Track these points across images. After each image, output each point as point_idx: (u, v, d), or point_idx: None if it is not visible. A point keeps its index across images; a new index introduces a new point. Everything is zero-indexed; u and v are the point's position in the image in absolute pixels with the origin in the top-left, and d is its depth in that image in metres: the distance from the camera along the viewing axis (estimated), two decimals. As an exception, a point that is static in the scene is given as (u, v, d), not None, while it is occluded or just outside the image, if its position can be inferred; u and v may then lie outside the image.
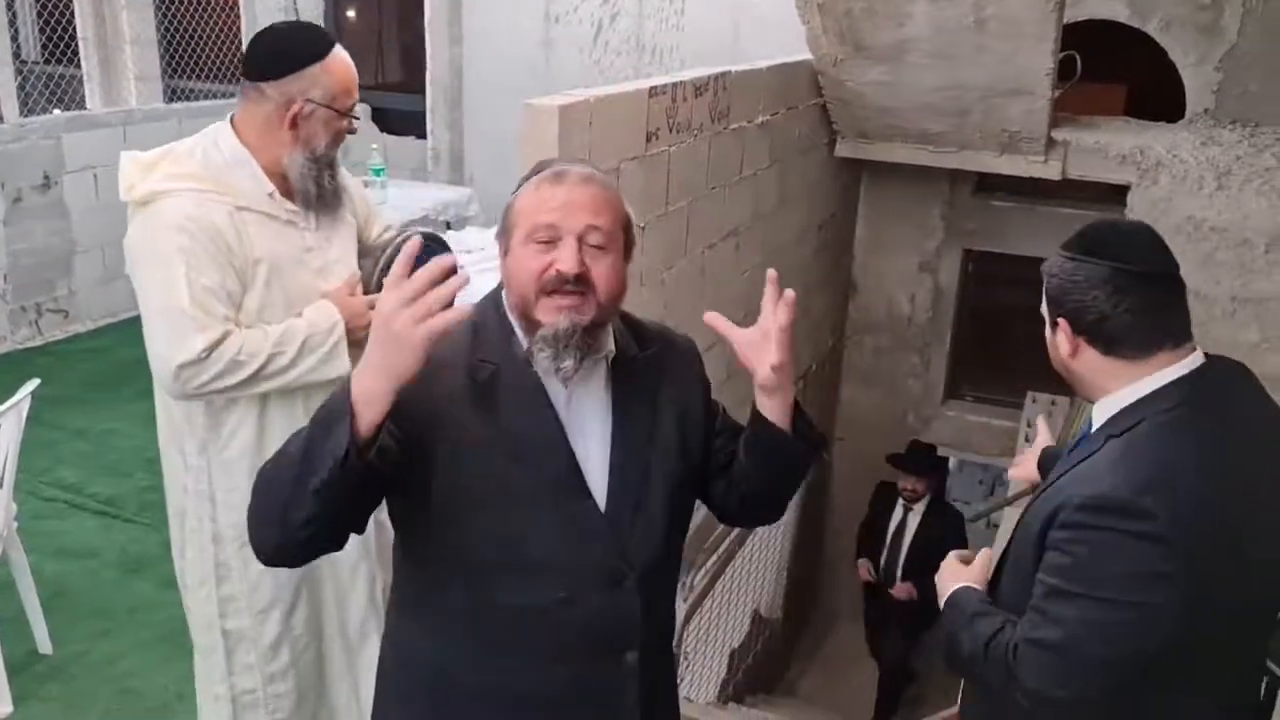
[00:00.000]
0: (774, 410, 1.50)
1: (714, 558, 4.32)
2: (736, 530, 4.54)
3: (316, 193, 2.12)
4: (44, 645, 3.09)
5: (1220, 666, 1.54)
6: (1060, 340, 1.57)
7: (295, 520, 1.27)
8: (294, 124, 2.06)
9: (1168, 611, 1.41)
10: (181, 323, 1.96)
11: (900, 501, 5.61)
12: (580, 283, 1.39)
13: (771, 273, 1.48)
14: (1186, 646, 1.45)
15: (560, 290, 1.38)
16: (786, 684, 6.11)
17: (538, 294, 1.39)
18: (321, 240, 2.20)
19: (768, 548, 5.35)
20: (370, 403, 1.24)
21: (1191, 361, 1.52)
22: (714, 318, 1.50)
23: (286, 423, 2.13)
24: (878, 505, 5.78)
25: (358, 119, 2.17)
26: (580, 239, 1.39)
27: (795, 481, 1.64)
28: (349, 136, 2.18)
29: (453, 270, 1.25)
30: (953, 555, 1.79)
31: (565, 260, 1.38)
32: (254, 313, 2.07)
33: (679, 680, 4.08)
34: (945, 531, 5.50)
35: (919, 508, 5.60)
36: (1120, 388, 1.53)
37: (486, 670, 1.47)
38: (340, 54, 2.11)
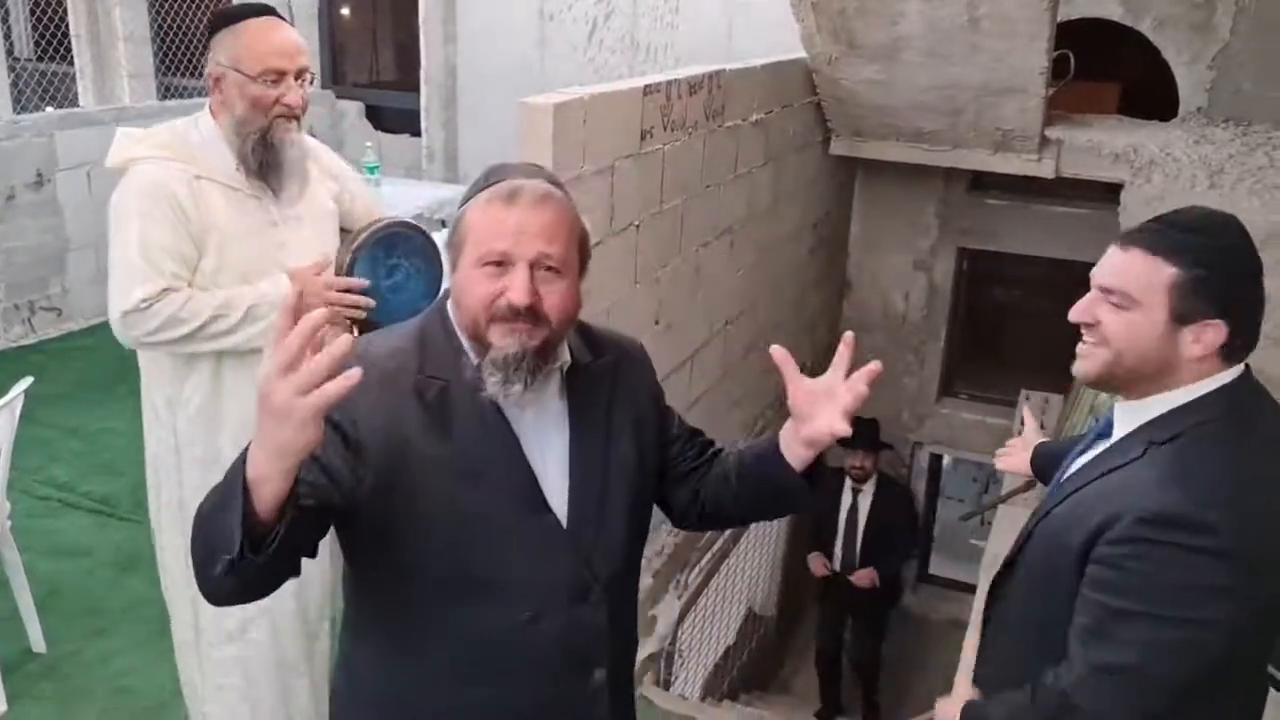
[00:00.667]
0: (800, 458, 1.46)
1: (708, 556, 4.33)
2: (730, 529, 4.55)
3: (240, 160, 2.16)
4: (38, 644, 3.09)
5: (1252, 672, 1.54)
6: (1197, 339, 1.43)
7: (226, 583, 1.19)
8: (214, 88, 2.15)
9: (1227, 626, 1.38)
10: (128, 274, 2.11)
11: (849, 484, 5.39)
12: (531, 312, 1.33)
13: (849, 335, 1.44)
14: (1238, 658, 1.43)
15: (511, 319, 1.33)
16: (781, 681, 6.12)
17: (488, 321, 1.34)
18: (291, 218, 2.26)
19: (762, 545, 5.37)
20: (267, 481, 1.12)
21: (1237, 368, 1.47)
22: (781, 356, 1.44)
23: (241, 388, 2.23)
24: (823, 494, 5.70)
25: (276, 86, 2.11)
26: (533, 265, 1.33)
27: (781, 516, 1.64)
28: (286, 111, 2.14)
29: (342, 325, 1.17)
30: (941, 701, 1.76)
31: (516, 291, 1.32)
32: (209, 275, 2.17)
33: (673, 678, 4.09)
34: (898, 508, 5.45)
35: (869, 488, 5.40)
36: (1181, 387, 1.46)
37: (451, 695, 1.42)
38: (260, 21, 2.13)
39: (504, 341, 1.33)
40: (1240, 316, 1.44)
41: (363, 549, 1.40)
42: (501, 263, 1.33)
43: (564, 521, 1.41)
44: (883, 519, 5.36)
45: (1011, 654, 1.67)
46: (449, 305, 1.42)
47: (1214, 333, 1.42)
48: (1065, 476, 1.63)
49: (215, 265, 2.16)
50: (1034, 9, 3.99)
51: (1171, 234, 1.45)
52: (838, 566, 5.39)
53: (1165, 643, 1.39)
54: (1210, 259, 1.42)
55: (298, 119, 2.18)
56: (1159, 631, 1.39)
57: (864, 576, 5.29)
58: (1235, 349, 1.45)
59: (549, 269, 1.34)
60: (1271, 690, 2.26)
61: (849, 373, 1.43)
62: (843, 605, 5.52)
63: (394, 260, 2.29)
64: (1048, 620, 1.53)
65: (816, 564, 5.45)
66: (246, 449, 1.14)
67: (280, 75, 2.12)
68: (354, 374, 1.10)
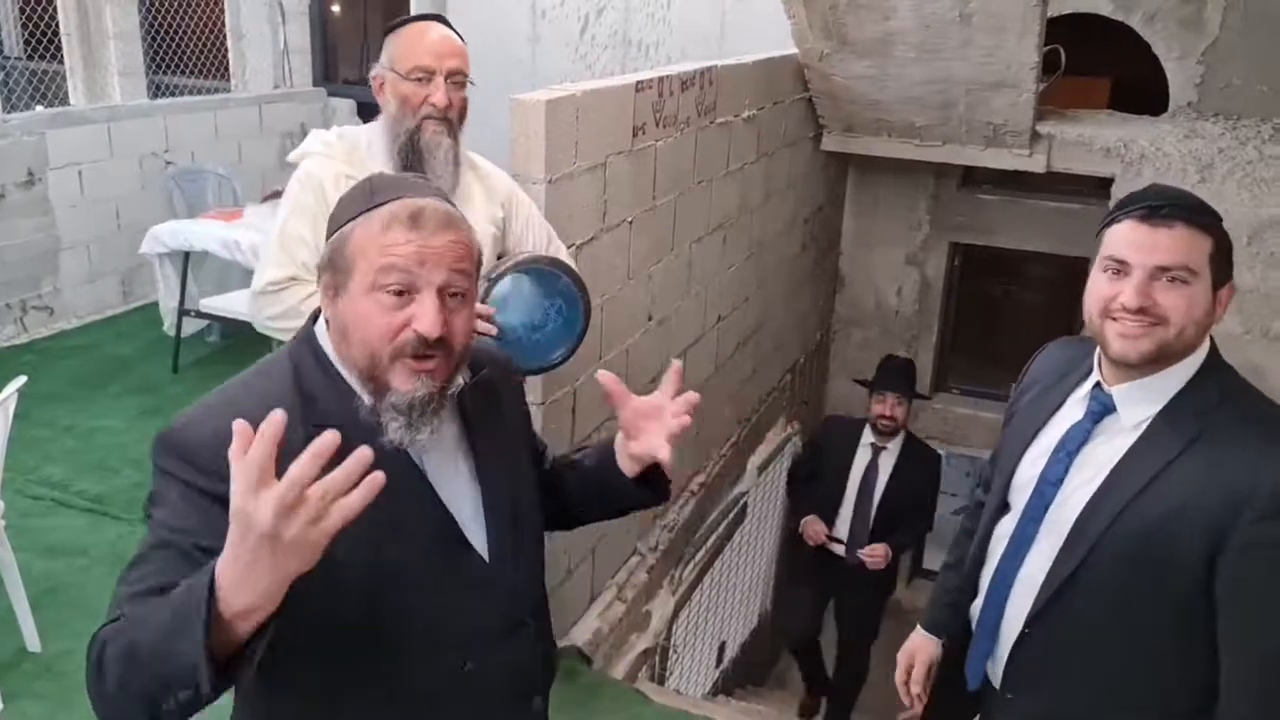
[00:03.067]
0: (631, 469, 1.44)
1: (702, 551, 4.34)
2: (724, 524, 4.56)
3: (388, 158, 2.18)
4: (32, 643, 3.08)
5: None
6: (1225, 300, 1.54)
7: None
8: (379, 92, 2.20)
9: None
10: (265, 258, 2.18)
11: (869, 438, 4.36)
12: (440, 344, 1.22)
13: (677, 364, 1.43)
14: None
15: (418, 354, 1.21)
16: (776, 676, 6.14)
17: (392, 356, 1.21)
18: None
19: (757, 540, 5.37)
20: (256, 610, 1.01)
21: None
22: (609, 380, 1.40)
23: None
24: (829, 449, 4.47)
25: (424, 84, 2.13)
26: (441, 291, 1.21)
27: (630, 513, 1.61)
28: (433, 111, 2.14)
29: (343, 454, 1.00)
30: None
31: (427, 321, 1.19)
32: None
33: (668, 674, 4.10)
34: (924, 475, 4.41)
35: (894, 446, 4.33)
36: (1194, 353, 1.53)
37: None
38: (420, 24, 2.19)
39: (409, 385, 1.21)
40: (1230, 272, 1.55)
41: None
42: (404, 292, 1.21)
43: (486, 557, 1.32)
44: (905, 486, 4.31)
45: (1082, 670, 1.61)
46: (321, 339, 1.28)
47: (1228, 293, 1.52)
48: (1095, 481, 1.58)
49: None
50: (1024, 4, 4.00)
51: (1191, 207, 1.51)
52: (842, 538, 4.36)
53: None
54: (1221, 227, 1.52)
55: (449, 123, 2.17)
56: None
57: (878, 553, 4.21)
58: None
59: (454, 295, 1.23)
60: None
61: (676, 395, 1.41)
62: (831, 587, 4.49)
63: (546, 301, 2.27)
64: (1145, 624, 1.52)
65: (812, 529, 4.37)
66: (207, 576, 1.00)
67: (429, 74, 2.14)
68: (377, 479, 1.00)
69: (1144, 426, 1.54)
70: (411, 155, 2.15)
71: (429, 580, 1.27)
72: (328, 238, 1.27)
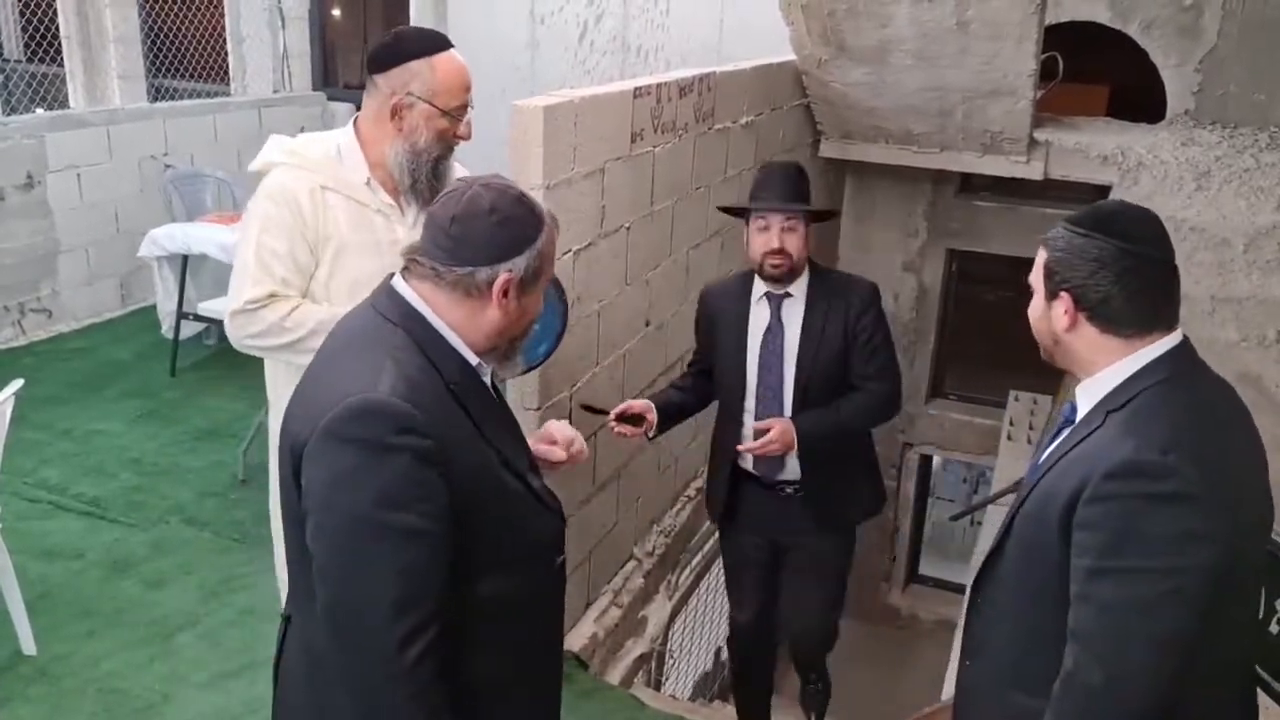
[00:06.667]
0: None
1: (699, 556, 4.34)
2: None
3: (411, 184, 2.19)
4: (28, 646, 3.08)
5: (1236, 635, 1.54)
6: (1058, 314, 1.57)
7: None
8: (395, 115, 2.16)
9: (1209, 571, 1.39)
10: (242, 275, 2.15)
11: (760, 289, 2.82)
12: None
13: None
14: (1220, 611, 1.44)
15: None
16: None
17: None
18: (416, 236, 2.26)
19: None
20: None
21: (1177, 336, 1.56)
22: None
23: None
24: (716, 324, 2.90)
25: (461, 119, 2.20)
26: None
27: None
28: (462, 142, 2.22)
29: None
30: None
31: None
32: (322, 284, 2.19)
33: (664, 679, 4.10)
34: (853, 312, 2.78)
35: (799, 291, 2.80)
36: (1111, 363, 1.55)
37: (520, 648, 1.56)
38: (450, 56, 2.18)
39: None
40: (1087, 289, 1.54)
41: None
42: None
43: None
44: (827, 339, 2.78)
45: (1004, 639, 1.67)
46: (431, 319, 1.49)
47: (1061, 305, 1.57)
48: (1040, 461, 1.67)
49: (328, 274, 2.19)
50: (1022, 12, 4.01)
51: (1056, 226, 1.62)
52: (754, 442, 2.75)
53: (1150, 596, 1.40)
54: (1063, 244, 1.58)
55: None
56: (1136, 586, 1.41)
57: (779, 435, 2.71)
58: (1115, 321, 1.54)
59: None
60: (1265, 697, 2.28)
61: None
62: (768, 524, 2.97)
63: None
64: (1040, 597, 1.55)
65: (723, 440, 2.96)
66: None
67: (464, 109, 2.19)
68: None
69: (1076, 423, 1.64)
70: (432, 180, 2.18)
71: (535, 498, 1.55)
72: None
